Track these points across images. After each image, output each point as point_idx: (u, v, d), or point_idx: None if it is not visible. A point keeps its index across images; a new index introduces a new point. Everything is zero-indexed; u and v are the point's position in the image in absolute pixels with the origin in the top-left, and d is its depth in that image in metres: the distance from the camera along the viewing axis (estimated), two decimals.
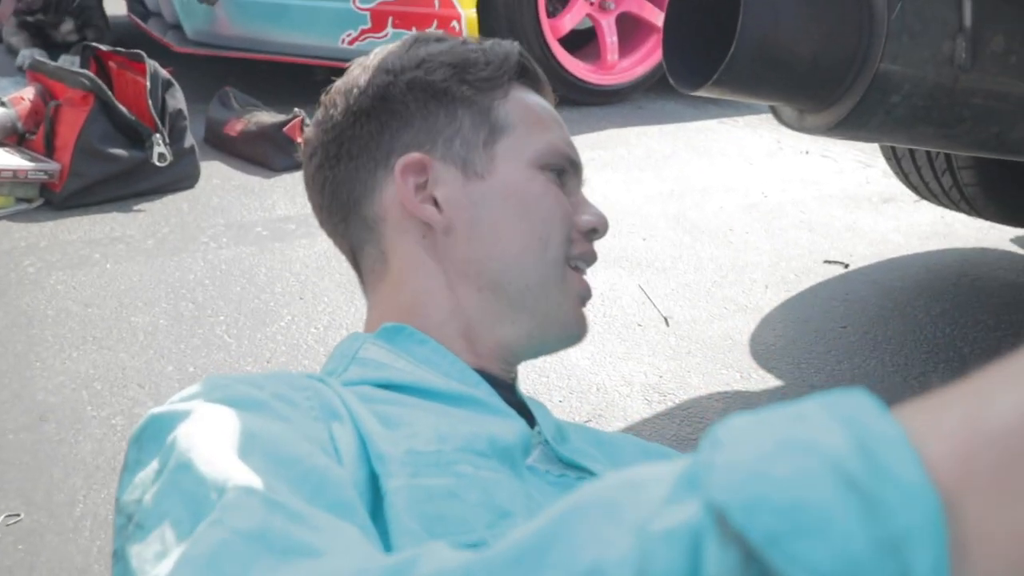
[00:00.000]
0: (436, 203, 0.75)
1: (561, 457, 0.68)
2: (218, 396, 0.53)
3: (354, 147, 0.77)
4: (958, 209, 2.05)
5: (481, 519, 0.54)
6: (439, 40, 0.80)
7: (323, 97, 0.81)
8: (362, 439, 0.56)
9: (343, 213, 0.79)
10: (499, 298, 0.74)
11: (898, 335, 1.84)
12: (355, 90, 0.78)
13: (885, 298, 2.00)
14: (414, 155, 0.75)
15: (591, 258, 0.80)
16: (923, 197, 2.11)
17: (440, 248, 0.75)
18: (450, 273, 0.75)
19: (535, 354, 0.80)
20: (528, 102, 0.80)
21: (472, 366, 0.71)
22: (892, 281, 2.08)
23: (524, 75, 0.82)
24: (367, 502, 0.53)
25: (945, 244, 2.28)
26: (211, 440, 0.48)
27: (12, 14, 3.62)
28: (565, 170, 0.79)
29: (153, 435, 0.51)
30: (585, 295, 0.80)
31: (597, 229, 0.80)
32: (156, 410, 0.53)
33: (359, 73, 0.79)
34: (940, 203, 2.08)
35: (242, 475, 0.45)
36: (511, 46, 0.80)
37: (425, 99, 0.76)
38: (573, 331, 0.79)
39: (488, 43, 0.81)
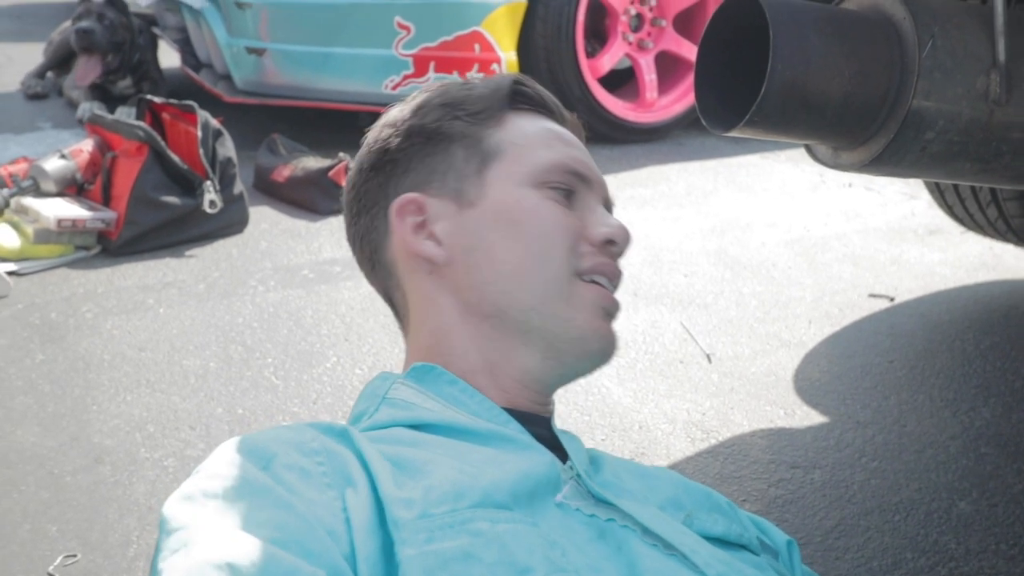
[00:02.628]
0: (436, 238, 0.77)
1: (592, 491, 0.68)
2: (220, 488, 0.55)
3: (367, 200, 0.82)
4: (1005, 240, 2.02)
5: None
6: (441, 86, 0.83)
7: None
8: (380, 503, 0.57)
9: (371, 263, 0.83)
10: (506, 323, 0.75)
11: (946, 369, 1.81)
12: (364, 148, 0.83)
13: (933, 332, 1.97)
14: (407, 195, 0.79)
15: (610, 272, 0.77)
16: (969, 229, 2.08)
17: (447, 281, 0.77)
18: (459, 305, 0.77)
19: (561, 378, 0.78)
20: (523, 126, 0.81)
21: (501, 404, 0.72)
22: (940, 314, 2.05)
23: (522, 102, 0.82)
24: (381, 573, 0.54)
25: (994, 276, 2.25)
26: None
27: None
28: (572, 186, 0.78)
29: (157, 549, 0.54)
30: (607, 306, 0.76)
31: (615, 241, 0.77)
32: (166, 508, 0.55)
33: (371, 132, 0.84)
34: (986, 234, 2.05)
35: None
36: (505, 78, 0.82)
37: (422, 143, 0.80)
38: (591, 346, 0.75)
39: (483, 79, 0.83)
